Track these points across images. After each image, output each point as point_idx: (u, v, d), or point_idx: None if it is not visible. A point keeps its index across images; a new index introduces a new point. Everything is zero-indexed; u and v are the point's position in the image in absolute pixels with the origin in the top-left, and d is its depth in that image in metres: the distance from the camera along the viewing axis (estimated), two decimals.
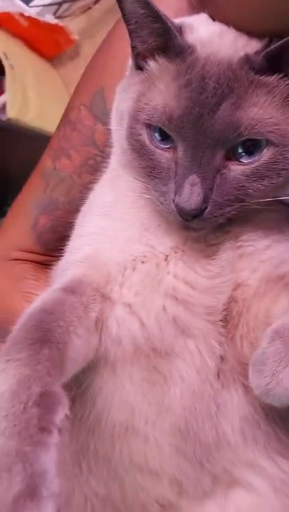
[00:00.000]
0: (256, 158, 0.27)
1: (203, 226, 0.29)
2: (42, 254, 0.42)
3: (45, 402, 0.22)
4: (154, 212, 0.32)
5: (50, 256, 0.41)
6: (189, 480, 0.31)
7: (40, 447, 0.21)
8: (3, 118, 0.83)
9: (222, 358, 0.31)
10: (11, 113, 0.82)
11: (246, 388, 0.30)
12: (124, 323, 0.31)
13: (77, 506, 0.33)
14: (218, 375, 0.31)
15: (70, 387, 0.32)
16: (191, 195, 0.27)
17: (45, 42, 0.95)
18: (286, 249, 0.32)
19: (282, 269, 0.32)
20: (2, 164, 0.50)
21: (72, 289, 0.30)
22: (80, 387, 0.31)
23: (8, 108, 0.83)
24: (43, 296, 0.29)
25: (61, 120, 0.42)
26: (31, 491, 0.20)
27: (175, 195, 0.27)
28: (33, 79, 0.88)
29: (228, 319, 0.31)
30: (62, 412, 0.23)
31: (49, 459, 0.21)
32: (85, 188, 0.38)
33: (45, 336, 0.25)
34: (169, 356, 0.30)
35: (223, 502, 0.32)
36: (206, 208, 0.27)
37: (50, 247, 0.41)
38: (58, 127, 0.42)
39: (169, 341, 0.31)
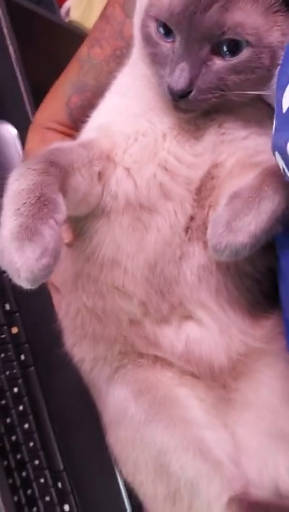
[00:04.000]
0: (236, 56, 0.34)
1: (190, 108, 0.36)
2: (71, 129, 0.51)
3: (53, 204, 0.32)
4: (158, 95, 0.39)
5: (77, 132, 0.50)
6: (152, 304, 0.42)
7: (49, 224, 0.30)
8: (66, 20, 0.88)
9: (192, 218, 0.40)
10: (74, 15, 0.86)
11: (205, 244, 0.39)
12: (122, 183, 0.40)
13: (72, 316, 0.46)
14: (187, 231, 0.40)
15: (74, 228, 0.43)
16: (179, 78, 0.34)
17: None
18: (264, 143, 0.38)
19: (257, 158, 0.39)
20: (57, 62, 0.57)
21: (82, 144, 0.39)
22: (82, 227, 0.42)
23: (71, 10, 0.88)
24: (60, 143, 0.39)
25: (100, 15, 0.49)
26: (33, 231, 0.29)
27: (168, 78, 0.35)
28: None
29: (202, 190, 0.40)
30: (63, 215, 0.32)
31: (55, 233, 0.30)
32: (111, 75, 0.46)
33: (55, 160, 0.35)
34: (151, 212, 0.40)
35: (177, 329, 0.43)
36: (190, 91, 0.34)
37: (78, 123, 0.50)
38: (96, 21, 0.49)
39: (154, 201, 0.40)
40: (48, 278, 0.31)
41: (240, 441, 0.44)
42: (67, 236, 0.42)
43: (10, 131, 0.58)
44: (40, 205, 0.31)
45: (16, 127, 0.58)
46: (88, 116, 0.45)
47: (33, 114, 0.56)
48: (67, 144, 0.40)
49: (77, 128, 0.51)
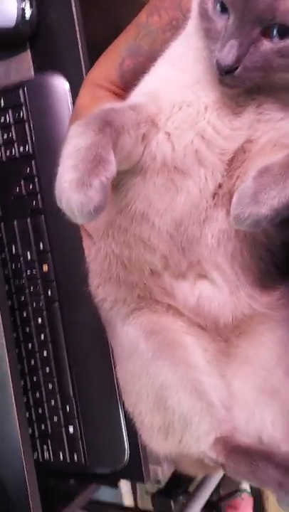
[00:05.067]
0: (284, 40, 0.36)
1: (234, 83, 0.39)
2: (121, 89, 0.54)
3: (106, 163, 0.36)
4: (207, 68, 0.42)
5: (126, 93, 0.53)
6: (173, 259, 0.46)
7: (101, 180, 0.35)
8: None
9: (220, 186, 0.43)
10: None
11: (228, 211, 0.43)
12: (161, 146, 0.43)
13: (100, 260, 0.50)
14: (214, 197, 0.44)
15: (113, 181, 0.47)
16: (228, 54, 0.37)
17: None
18: None
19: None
20: (116, 24, 0.59)
21: (132, 107, 0.43)
22: (120, 181, 0.46)
23: None
24: (113, 104, 0.42)
25: None
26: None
27: (218, 53, 0.38)
28: None
29: (233, 161, 0.43)
30: (113, 173, 0.37)
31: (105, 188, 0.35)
32: (165, 44, 0.48)
33: (109, 121, 0.39)
34: (184, 175, 0.44)
35: (192, 285, 0.48)
36: (237, 68, 0.37)
37: (128, 85, 0.53)
38: None
39: (188, 165, 0.43)
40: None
41: (234, 391, 0.49)
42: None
43: (63, 84, 0.61)
44: (95, 163, 0.36)
45: (69, 81, 0.62)
46: (138, 80, 0.48)
47: (87, 70, 0.60)
48: (119, 105, 0.43)
49: (126, 89, 0.54)
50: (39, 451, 0.60)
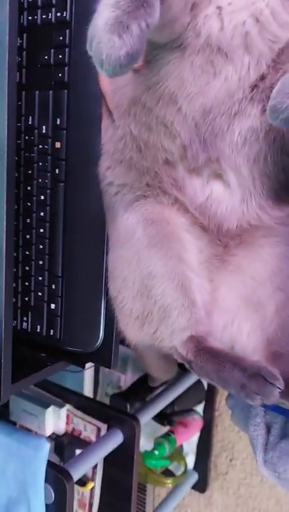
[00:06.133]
0: None
1: None
2: None
3: (150, 7, 0.33)
4: None
5: None
6: (192, 150, 0.45)
7: (141, 25, 0.33)
8: None
9: (262, 77, 0.40)
10: None
11: (264, 108, 0.41)
12: (209, 21, 0.39)
13: (116, 139, 0.49)
14: (253, 89, 0.41)
15: (147, 54, 0.44)
16: None
17: None
18: None
19: None
20: None
21: None
22: (155, 56, 0.43)
23: None
24: None
25: None
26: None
27: None
28: None
29: (283, 53, 0.39)
30: (156, 20, 0.34)
31: (143, 35, 0.33)
32: None
33: None
34: (226, 58, 0.40)
35: (204, 182, 0.47)
36: None
37: None
38: None
39: (233, 48, 0.40)
40: (126, 73, 0.35)
41: (218, 297, 0.50)
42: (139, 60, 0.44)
43: None
44: (138, 4, 0.33)
45: None
46: None
47: None
48: None
49: None
50: (19, 320, 0.62)
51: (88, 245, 0.57)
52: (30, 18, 0.57)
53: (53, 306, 0.59)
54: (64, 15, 0.55)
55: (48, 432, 0.83)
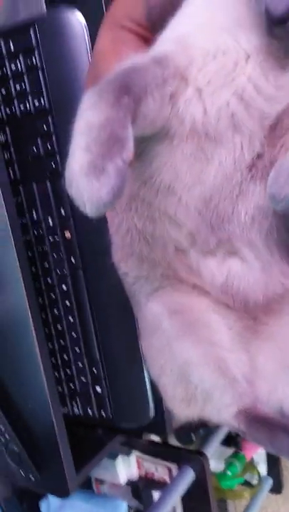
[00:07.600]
0: None
1: (284, 36, 0.32)
2: (147, 31, 0.46)
3: (122, 142, 0.31)
4: (251, 9, 0.34)
5: (153, 36, 0.45)
6: (201, 236, 0.42)
7: (116, 164, 0.31)
8: None
9: (259, 156, 0.37)
10: None
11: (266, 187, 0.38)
12: (190, 106, 0.36)
13: (122, 234, 0.47)
14: (251, 169, 0.38)
15: (136, 148, 0.42)
16: (280, 2, 0.29)
17: None
18: None
19: None
20: None
21: (157, 61, 0.35)
22: (144, 149, 0.40)
23: None
24: (135, 58, 0.36)
25: None
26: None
27: None
28: None
29: (276, 128, 0.37)
30: (131, 152, 0.32)
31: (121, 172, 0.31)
32: None
33: (128, 86, 0.33)
34: (216, 143, 0.37)
35: (221, 262, 0.44)
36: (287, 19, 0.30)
37: (156, 26, 0.45)
38: None
39: (221, 131, 0.37)
40: (112, 207, 0.33)
41: (258, 366, 0.48)
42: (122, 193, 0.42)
43: (80, 20, 0.53)
44: (109, 144, 0.31)
45: (86, 18, 0.54)
46: (168, 21, 0.41)
47: (107, 5, 0.51)
48: (142, 60, 0.36)
49: (154, 31, 0.46)
50: (69, 407, 0.63)
51: (119, 322, 0.56)
52: (8, 110, 0.56)
53: (98, 388, 0.59)
54: (42, 102, 0.53)
55: (123, 481, 0.85)
